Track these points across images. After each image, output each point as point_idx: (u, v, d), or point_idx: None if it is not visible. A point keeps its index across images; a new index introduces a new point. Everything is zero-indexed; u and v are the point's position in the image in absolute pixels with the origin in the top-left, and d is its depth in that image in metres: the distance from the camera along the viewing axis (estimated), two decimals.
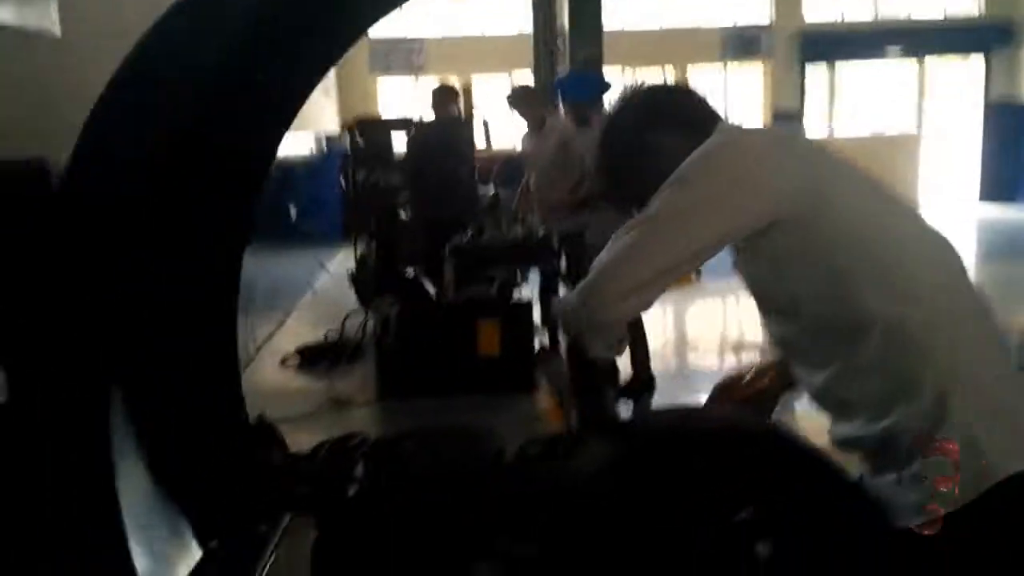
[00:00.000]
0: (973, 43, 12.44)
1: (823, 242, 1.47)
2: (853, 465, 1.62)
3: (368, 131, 5.45)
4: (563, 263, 5.59)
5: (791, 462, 1.57)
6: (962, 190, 12.20)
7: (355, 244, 6.33)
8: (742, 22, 12.40)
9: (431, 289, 5.35)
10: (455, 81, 6.75)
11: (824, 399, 1.60)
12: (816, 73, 12.60)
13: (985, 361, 1.49)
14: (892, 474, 1.48)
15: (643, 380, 5.15)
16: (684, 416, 1.73)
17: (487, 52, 11.40)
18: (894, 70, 12.80)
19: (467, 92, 6.33)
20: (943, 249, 1.55)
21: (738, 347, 6.23)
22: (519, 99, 5.63)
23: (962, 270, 1.55)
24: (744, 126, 1.69)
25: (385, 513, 3.22)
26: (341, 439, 3.74)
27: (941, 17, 12.41)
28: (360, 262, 6.44)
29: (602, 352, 1.56)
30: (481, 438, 4.31)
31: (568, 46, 7.82)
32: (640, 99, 1.75)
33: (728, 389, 1.83)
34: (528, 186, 5.72)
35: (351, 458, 3.57)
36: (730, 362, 5.97)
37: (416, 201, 5.87)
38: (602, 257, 1.53)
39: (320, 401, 5.01)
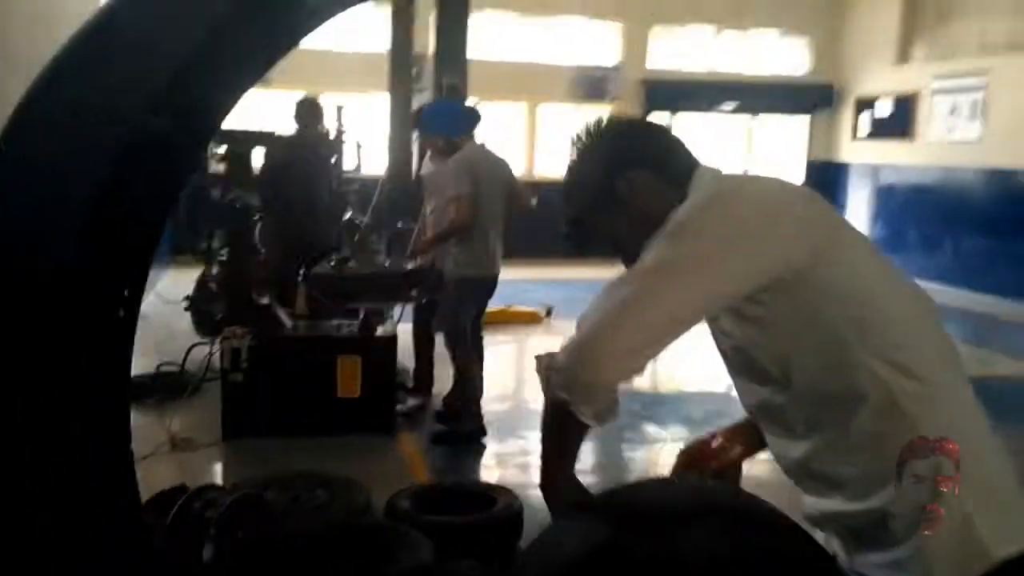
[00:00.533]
0: (799, 103, 13.40)
1: (825, 305, 1.35)
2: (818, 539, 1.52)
3: (225, 144, 4.97)
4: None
5: (772, 538, 1.42)
6: None
7: (208, 265, 5.76)
8: (593, 64, 12.71)
9: (286, 320, 4.94)
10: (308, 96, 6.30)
11: (802, 471, 1.48)
12: (658, 120, 13.05)
13: (976, 436, 1.40)
14: (874, 554, 1.38)
15: (476, 426, 4.92)
16: (661, 490, 1.53)
17: (338, 69, 10.98)
18: (728, 123, 13.51)
19: (339, 109, 5.96)
20: (930, 312, 1.47)
21: None
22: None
23: (945, 333, 1.47)
24: (730, 172, 1.54)
25: None
26: (196, 492, 3.29)
27: (772, 77, 13.27)
28: (200, 286, 5.89)
29: (592, 419, 1.36)
30: (349, 488, 3.94)
31: (433, 72, 7.62)
32: (611, 137, 1.60)
33: (698, 458, 1.68)
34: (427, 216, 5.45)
35: (204, 515, 3.14)
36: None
37: (274, 222, 5.42)
38: (594, 312, 1.35)
39: (156, 441, 4.47)
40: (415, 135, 8.06)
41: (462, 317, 4.86)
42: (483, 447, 4.86)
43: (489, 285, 4.96)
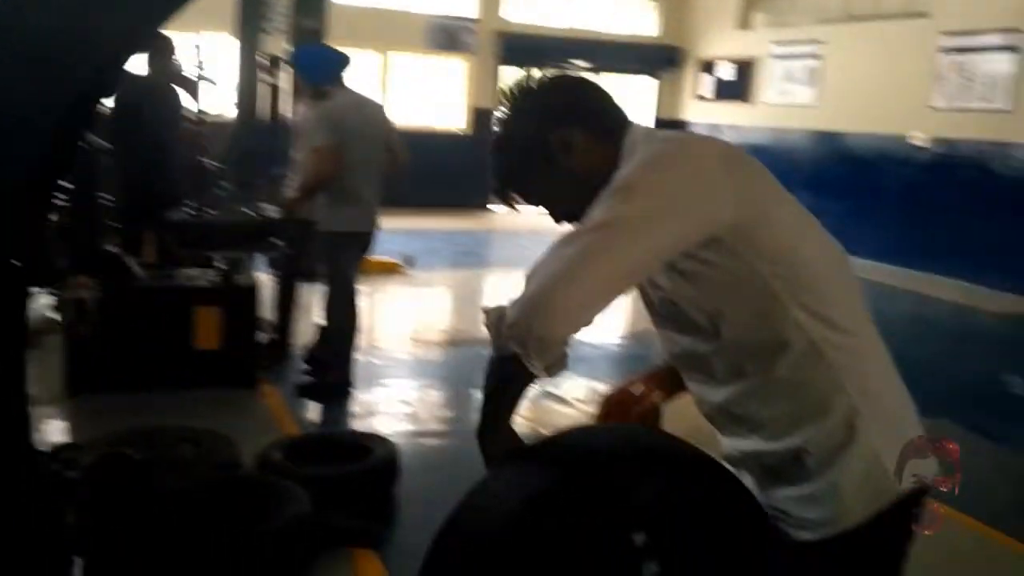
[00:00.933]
0: (647, 64, 13.80)
1: (760, 263, 1.40)
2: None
3: None
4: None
5: (701, 478, 1.48)
6: None
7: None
8: (448, 14, 12.57)
9: (137, 270, 4.65)
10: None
11: (722, 415, 1.55)
12: (512, 75, 13.17)
13: (886, 382, 1.52)
14: (789, 489, 1.47)
15: (344, 377, 4.81)
16: (593, 437, 1.56)
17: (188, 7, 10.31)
18: None
19: (196, 48, 5.59)
20: (846, 263, 1.55)
21: (424, 338, 6.22)
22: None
23: (858, 285, 1.56)
24: (665, 130, 1.56)
25: (120, 547, 2.67)
26: (52, 451, 3.08)
27: (622, 37, 13.58)
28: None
29: (543, 371, 1.36)
30: (215, 442, 3.79)
31: (288, 14, 7.29)
32: (544, 93, 1.58)
33: (621, 404, 1.71)
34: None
35: (64, 476, 2.94)
36: (423, 351, 5.93)
37: (123, 165, 5.05)
38: (544, 268, 1.34)
39: None
40: (271, 79, 7.74)
41: (344, 271, 4.67)
42: (349, 397, 4.79)
43: (363, 241, 4.76)
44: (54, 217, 5.00)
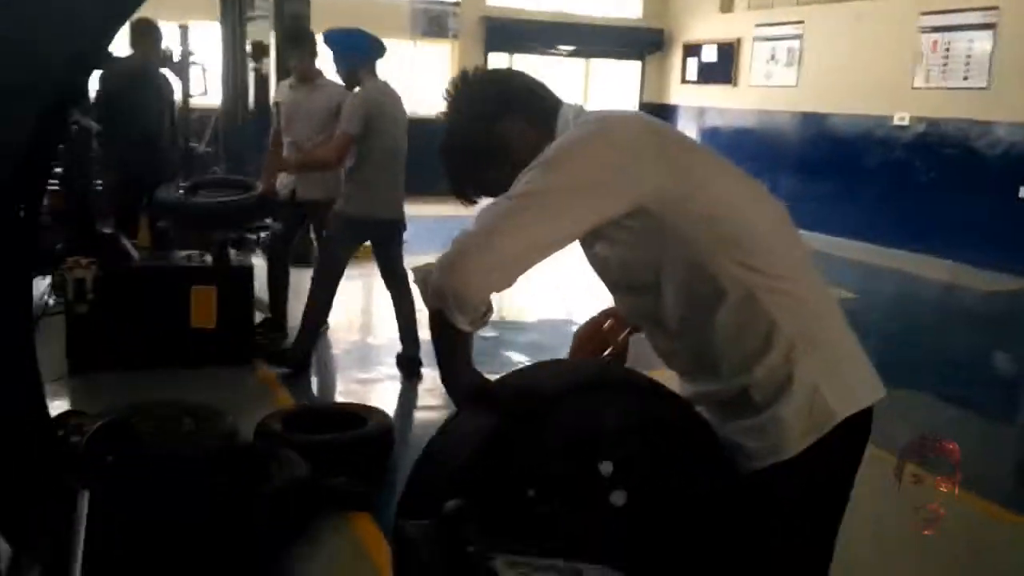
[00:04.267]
0: (632, 48, 13.88)
1: (688, 227, 1.52)
2: None
3: None
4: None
5: (656, 408, 1.57)
6: None
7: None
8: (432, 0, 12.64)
9: (133, 251, 4.74)
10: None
11: (679, 360, 1.68)
12: (498, 60, 13.25)
13: (821, 318, 1.63)
14: (741, 421, 1.59)
15: (303, 351, 4.85)
16: (552, 371, 1.66)
17: None
18: (565, 65, 13.80)
19: (183, 31, 5.64)
20: (782, 218, 1.67)
21: None
22: (295, 40, 5.08)
23: (796, 234, 1.67)
24: (593, 108, 1.68)
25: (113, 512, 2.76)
26: (57, 418, 3.17)
27: (607, 20, 13.65)
28: None
29: (465, 326, 1.46)
30: (214, 415, 3.89)
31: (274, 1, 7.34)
32: (485, 87, 1.71)
33: (592, 337, 1.84)
34: (279, 140, 5.19)
35: (68, 441, 3.04)
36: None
37: (112, 149, 5.12)
38: (468, 230, 1.45)
39: None
40: (254, 65, 7.79)
41: (337, 254, 4.72)
42: (307, 368, 4.87)
43: (376, 227, 4.70)
44: (47, 201, 5.09)
